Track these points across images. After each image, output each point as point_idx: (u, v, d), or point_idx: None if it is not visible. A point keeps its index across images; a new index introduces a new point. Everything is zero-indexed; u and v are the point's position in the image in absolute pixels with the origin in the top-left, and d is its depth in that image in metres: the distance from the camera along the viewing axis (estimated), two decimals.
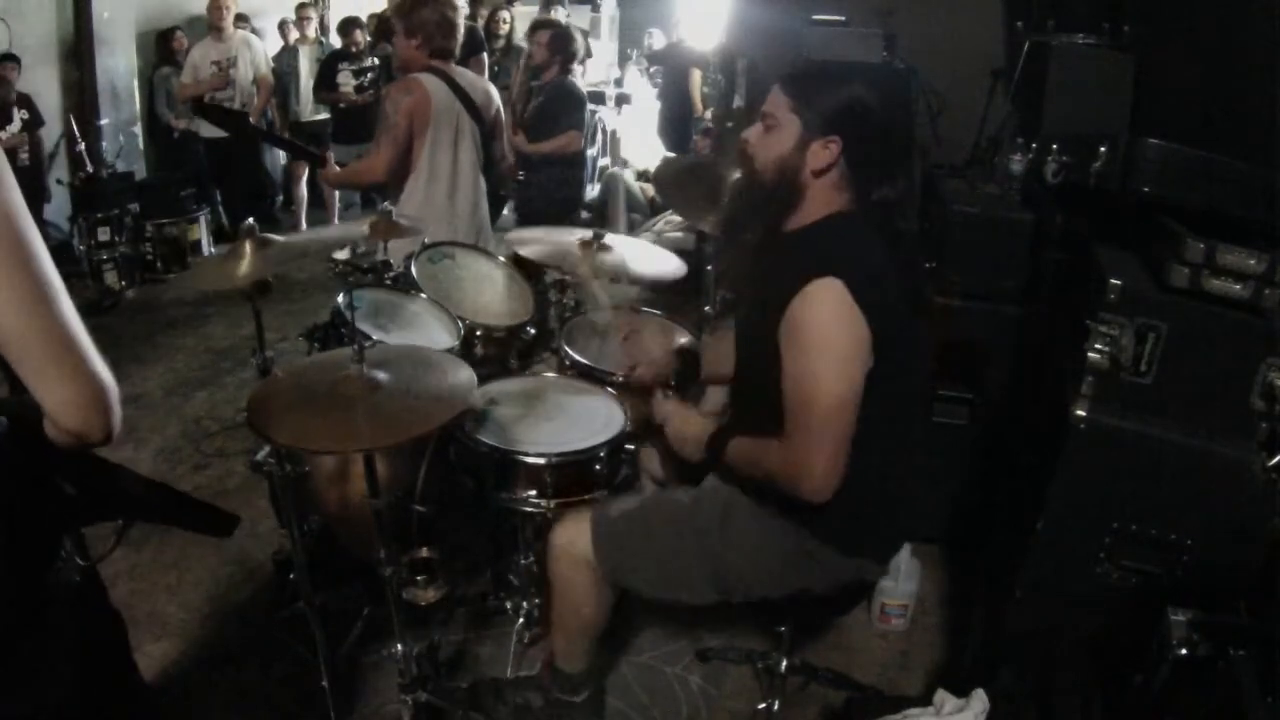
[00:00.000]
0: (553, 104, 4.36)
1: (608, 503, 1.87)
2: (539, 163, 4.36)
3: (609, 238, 2.49)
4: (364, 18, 6.50)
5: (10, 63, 4.73)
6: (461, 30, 3.01)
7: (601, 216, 5.75)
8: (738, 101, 4.40)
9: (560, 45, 4.38)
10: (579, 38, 4.92)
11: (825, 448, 1.49)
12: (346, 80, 5.79)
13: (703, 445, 1.76)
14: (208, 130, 5.70)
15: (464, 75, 3.02)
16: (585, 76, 5.80)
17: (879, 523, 1.74)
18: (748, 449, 1.68)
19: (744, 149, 1.67)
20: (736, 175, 1.80)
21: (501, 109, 3.22)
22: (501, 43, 6.17)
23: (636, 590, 1.81)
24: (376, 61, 5.95)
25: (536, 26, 4.68)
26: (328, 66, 5.92)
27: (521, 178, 4.41)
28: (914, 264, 1.74)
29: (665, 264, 2.56)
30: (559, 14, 5.96)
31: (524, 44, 4.82)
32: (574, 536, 1.80)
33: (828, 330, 1.48)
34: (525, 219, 4.45)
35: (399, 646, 1.89)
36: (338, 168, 3.09)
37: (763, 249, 1.68)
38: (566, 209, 4.45)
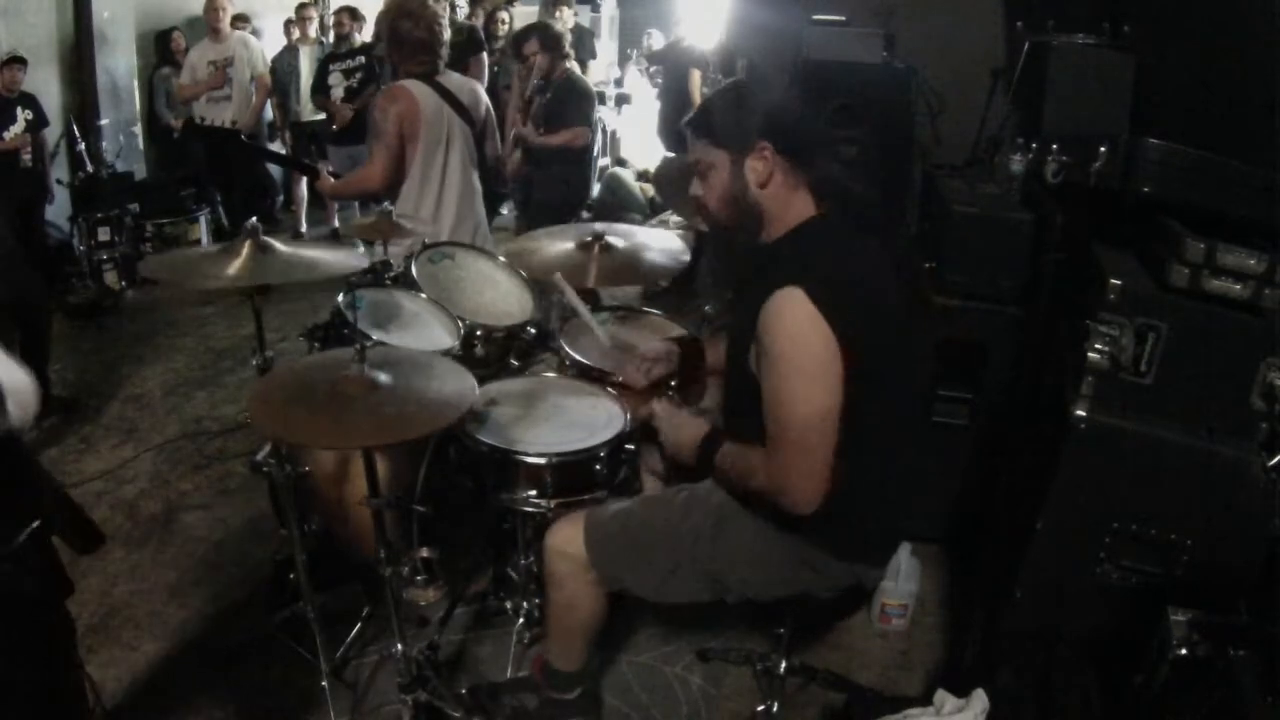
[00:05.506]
0: (562, 99, 4.33)
1: (602, 504, 1.87)
2: (545, 158, 4.34)
3: (611, 238, 2.48)
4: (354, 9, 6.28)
5: (17, 64, 4.73)
6: (445, 49, 2.97)
7: (604, 216, 5.72)
8: None
9: (550, 41, 4.32)
10: (557, 23, 4.86)
11: (804, 464, 1.51)
12: (337, 81, 5.72)
13: (696, 450, 1.75)
14: None
15: (450, 78, 3.00)
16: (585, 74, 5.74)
17: (876, 527, 1.73)
18: (735, 460, 1.67)
19: (699, 205, 1.69)
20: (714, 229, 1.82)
21: (490, 109, 3.21)
22: (500, 43, 6.15)
23: (631, 592, 1.81)
24: (364, 60, 5.82)
25: (520, 40, 4.54)
26: (321, 69, 5.86)
27: (527, 171, 4.39)
28: (908, 260, 1.73)
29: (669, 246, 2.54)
30: (565, 13, 5.83)
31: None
32: (569, 537, 1.80)
33: (793, 343, 1.48)
34: (527, 215, 4.43)
35: (399, 646, 1.89)
36: (332, 179, 3.07)
37: (746, 262, 1.70)
38: (570, 208, 4.44)
